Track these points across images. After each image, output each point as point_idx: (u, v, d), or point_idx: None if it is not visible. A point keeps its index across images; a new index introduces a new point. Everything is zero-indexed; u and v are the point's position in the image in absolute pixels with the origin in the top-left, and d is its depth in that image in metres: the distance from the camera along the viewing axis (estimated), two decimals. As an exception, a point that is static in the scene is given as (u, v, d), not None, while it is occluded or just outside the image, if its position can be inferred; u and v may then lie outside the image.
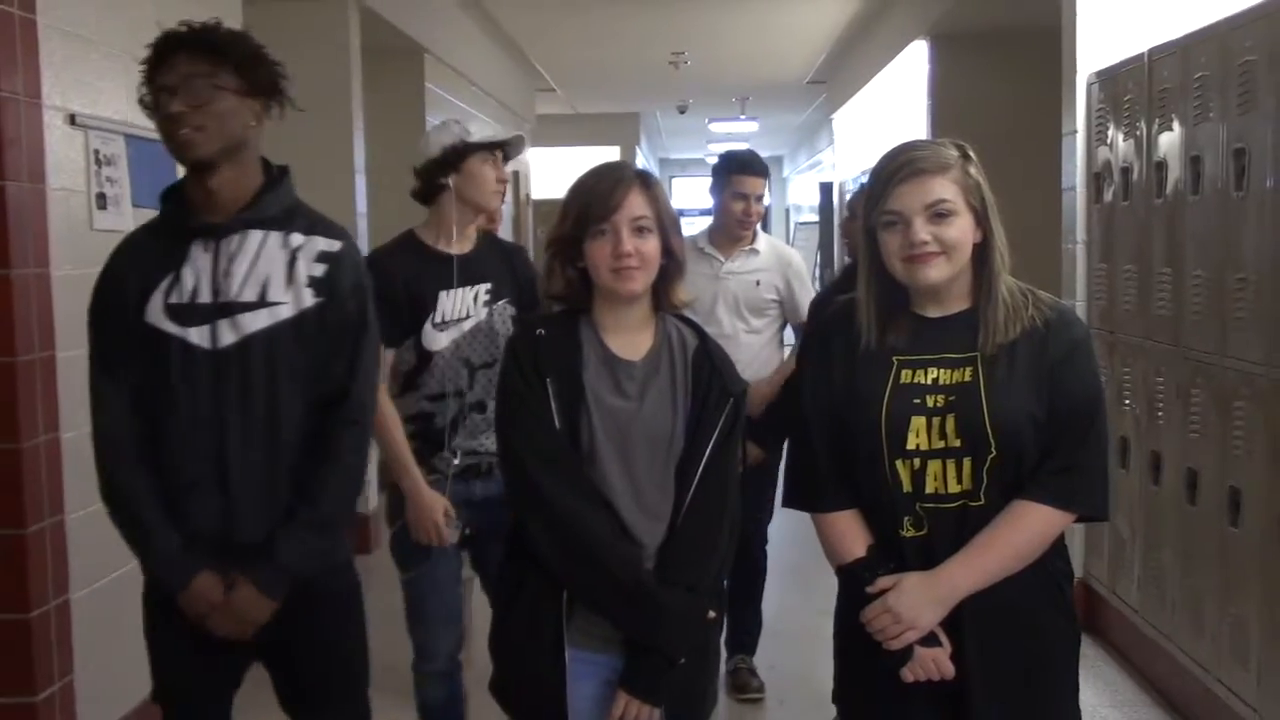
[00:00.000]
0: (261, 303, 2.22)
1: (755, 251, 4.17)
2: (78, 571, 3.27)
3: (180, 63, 2.16)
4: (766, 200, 4.21)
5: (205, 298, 2.22)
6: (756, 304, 4.12)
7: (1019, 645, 2.05)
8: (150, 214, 3.60)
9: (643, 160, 18.19)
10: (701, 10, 9.16)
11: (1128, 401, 4.32)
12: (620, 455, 2.09)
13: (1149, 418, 4.14)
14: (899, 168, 2.04)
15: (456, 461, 3.08)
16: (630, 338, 2.14)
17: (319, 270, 2.26)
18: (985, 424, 1.98)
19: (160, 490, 2.23)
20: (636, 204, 2.08)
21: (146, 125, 3.63)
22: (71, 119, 3.30)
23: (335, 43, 5.96)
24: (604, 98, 14.65)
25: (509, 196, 7.35)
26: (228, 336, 2.21)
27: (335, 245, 2.30)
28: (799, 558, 4.84)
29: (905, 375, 2.05)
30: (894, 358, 2.06)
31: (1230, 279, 3.56)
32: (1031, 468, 2.00)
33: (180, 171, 3.90)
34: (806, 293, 4.17)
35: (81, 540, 3.28)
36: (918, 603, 2.01)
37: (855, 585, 2.08)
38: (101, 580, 3.38)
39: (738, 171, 4.11)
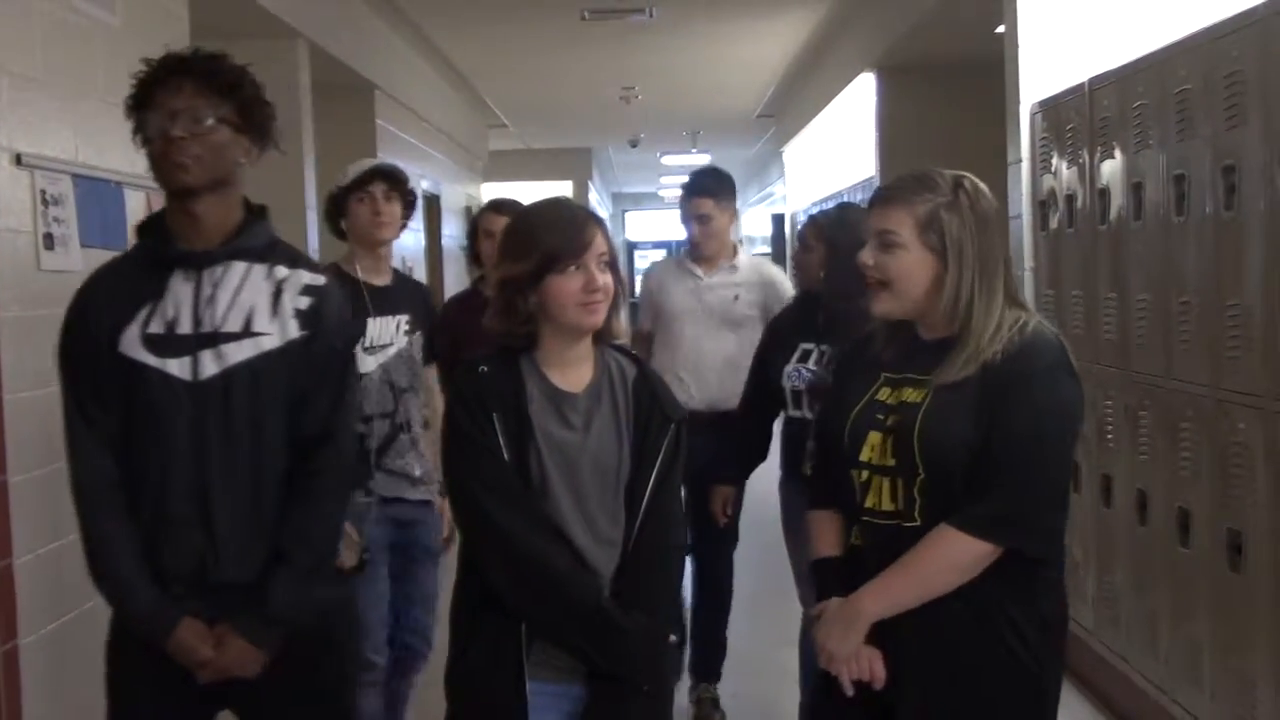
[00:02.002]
0: (246, 333, 2.18)
1: (735, 268, 4.27)
2: (26, 616, 3.21)
3: (187, 89, 2.15)
4: (723, 221, 4.24)
5: (186, 328, 2.16)
6: (733, 318, 4.21)
7: (952, 681, 2.05)
8: (99, 254, 3.61)
9: (595, 195, 18.25)
10: (652, 46, 9.23)
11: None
12: (570, 486, 2.10)
13: (1099, 440, 4.20)
14: (877, 191, 2.17)
15: (371, 497, 3.23)
16: (573, 371, 2.16)
17: (304, 303, 2.23)
18: (914, 444, 2.02)
19: (137, 536, 2.16)
20: (601, 241, 2.12)
21: (94, 165, 3.65)
22: (18, 159, 3.27)
23: (285, 79, 5.94)
24: (556, 133, 14.71)
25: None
26: (210, 368, 2.16)
27: (320, 279, 2.28)
28: (761, 587, 4.86)
29: (883, 393, 2.12)
30: (882, 373, 2.14)
31: (1174, 302, 3.63)
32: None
33: (130, 212, 3.88)
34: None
35: (31, 585, 3.22)
36: (831, 631, 2.09)
37: (814, 582, 2.20)
38: (51, 625, 3.32)
39: (684, 194, 4.28)
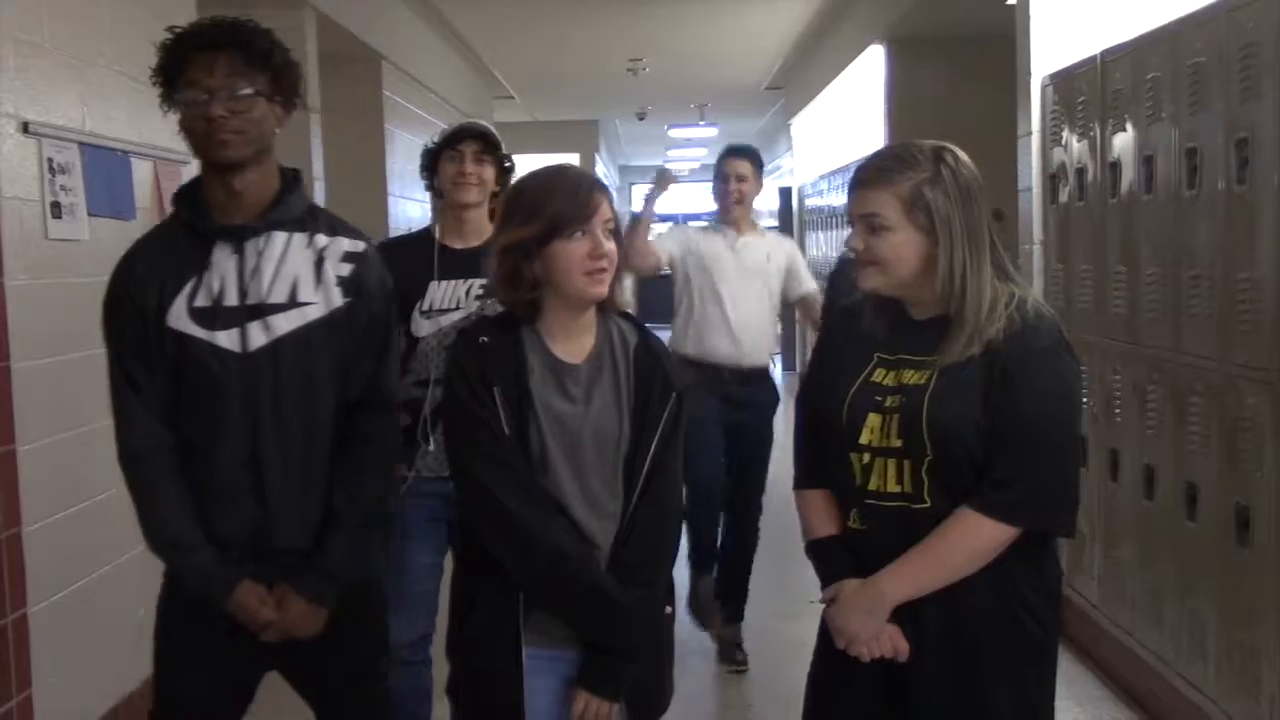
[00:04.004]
0: (292, 303, 2.21)
1: (763, 234, 4.68)
2: (36, 584, 3.23)
3: (220, 63, 2.14)
4: (755, 187, 4.59)
5: (232, 300, 2.19)
6: (764, 275, 4.48)
7: (972, 651, 2.05)
8: (106, 223, 3.61)
9: (602, 167, 18.20)
10: (659, 17, 9.18)
11: (1085, 400, 4.36)
12: (570, 459, 2.10)
13: (1106, 415, 4.19)
14: (856, 173, 2.11)
15: (411, 472, 3.12)
16: (575, 341, 2.15)
17: (346, 270, 2.26)
18: (922, 425, 2.00)
19: (191, 500, 2.19)
20: (606, 207, 2.11)
21: (102, 133, 3.64)
22: (25, 127, 3.26)
23: (292, 50, 5.91)
24: (563, 105, 14.65)
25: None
26: (259, 339, 2.19)
27: (360, 245, 2.31)
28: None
29: (879, 374, 2.09)
30: (875, 353, 2.11)
31: (1184, 276, 3.62)
32: (980, 475, 2.01)
33: (137, 181, 3.88)
34: (806, 271, 4.70)
35: (40, 553, 3.23)
36: (850, 615, 2.07)
37: (815, 562, 2.17)
38: (61, 593, 3.34)
39: (724, 155, 4.58)
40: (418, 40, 8.62)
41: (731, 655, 4.50)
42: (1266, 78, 3.14)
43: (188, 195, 2.28)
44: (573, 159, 15.08)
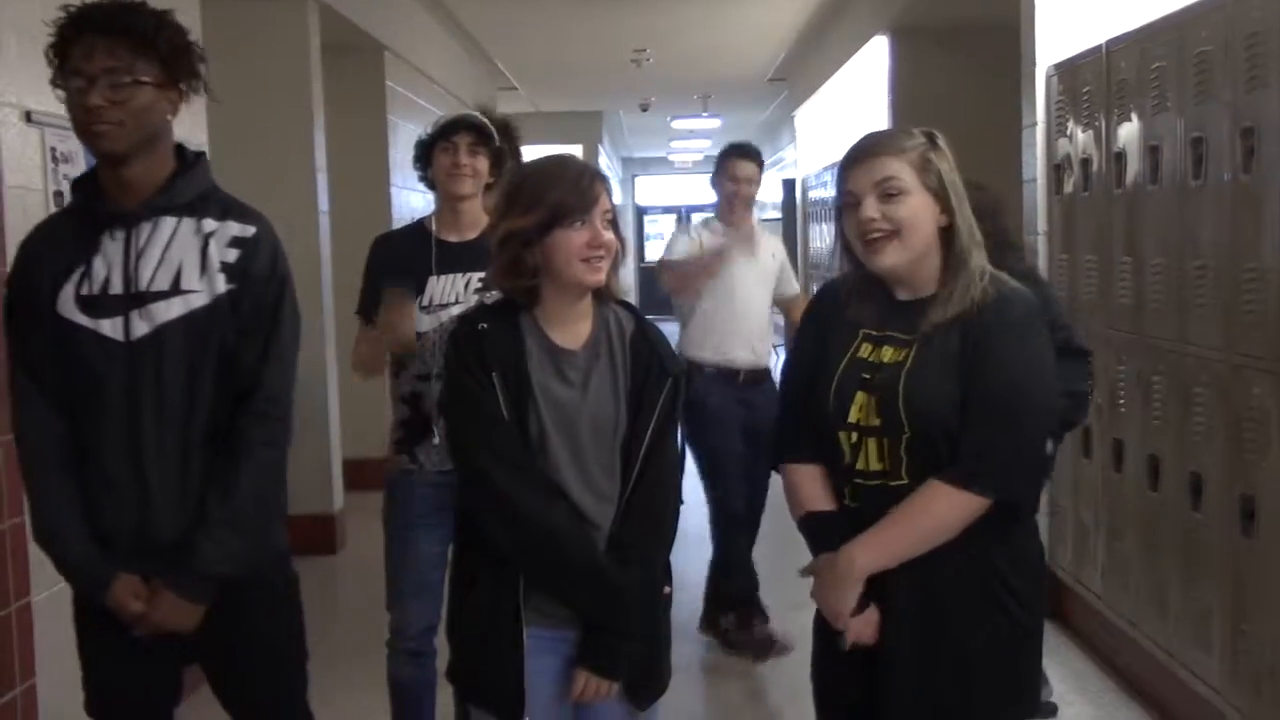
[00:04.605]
0: (175, 291, 2.15)
1: (763, 231, 4.79)
2: (39, 574, 3.23)
3: (99, 50, 2.06)
4: (758, 187, 4.70)
5: (117, 288, 2.14)
6: (769, 274, 4.63)
7: (945, 635, 2.05)
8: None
9: (605, 159, 18.17)
10: (663, 8, 9.17)
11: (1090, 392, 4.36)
12: (568, 444, 2.13)
13: (1111, 406, 4.18)
14: (855, 149, 2.12)
15: (415, 465, 3.13)
16: (573, 327, 2.18)
17: (232, 256, 2.18)
18: (899, 403, 2.02)
19: (77, 493, 2.16)
20: (606, 198, 2.15)
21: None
22: (27, 116, 3.26)
23: (295, 41, 5.91)
24: (566, 96, 14.62)
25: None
26: (141, 328, 2.14)
27: (249, 230, 2.22)
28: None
29: (865, 349, 2.10)
30: (860, 330, 2.12)
31: (1189, 267, 3.61)
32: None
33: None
34: (792, 273, 4.83)
35: (43, 543, 3.23)
36: (826, 591, 2.09)
37: (806, 536, 2.17)
38: (63, 582, 3.33)
39: (729, 156, 4.60)
40: (420, 31, 8.60)
41: (769, 646, 4.39)
42: (1272, 67, 3.13)
43: (85, 181, 2.24)
44: (576, 150, 15.06)
